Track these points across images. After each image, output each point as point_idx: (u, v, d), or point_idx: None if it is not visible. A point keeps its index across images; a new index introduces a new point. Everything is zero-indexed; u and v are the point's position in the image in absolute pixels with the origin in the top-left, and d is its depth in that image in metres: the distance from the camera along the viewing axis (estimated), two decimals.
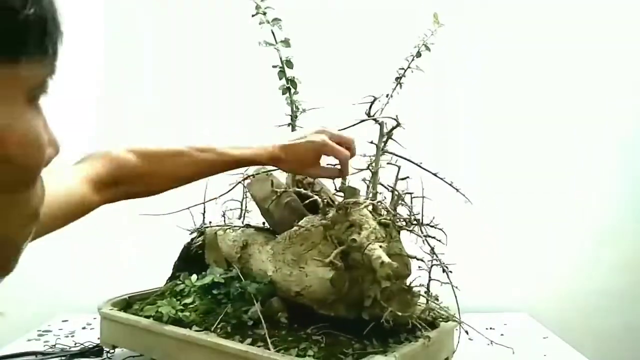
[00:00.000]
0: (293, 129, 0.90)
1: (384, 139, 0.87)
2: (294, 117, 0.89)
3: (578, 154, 1.36)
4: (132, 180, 0.73)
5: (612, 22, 1.33)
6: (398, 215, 0.84)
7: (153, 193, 0.77)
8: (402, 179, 0.87)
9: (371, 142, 0.88)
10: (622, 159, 1.36)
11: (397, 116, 0.87)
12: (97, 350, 1.03)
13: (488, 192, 1.34)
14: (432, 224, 0.89)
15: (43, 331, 1.17)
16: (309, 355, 0.75)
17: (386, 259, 0.69)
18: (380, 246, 0.72)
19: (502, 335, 1.17)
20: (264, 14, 0.83)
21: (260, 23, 0.84)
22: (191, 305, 0.89)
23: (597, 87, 1.35)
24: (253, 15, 0.84)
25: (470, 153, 1.34)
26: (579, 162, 1.36)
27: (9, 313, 1.31)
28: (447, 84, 1.33)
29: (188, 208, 1.00)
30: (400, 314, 0.75)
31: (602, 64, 1.34)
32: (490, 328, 1.20)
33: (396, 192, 0.85)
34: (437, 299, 0.98)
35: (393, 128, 0.88)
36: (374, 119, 0.87)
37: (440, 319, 0.96)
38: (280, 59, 0.86)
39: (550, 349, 1.08)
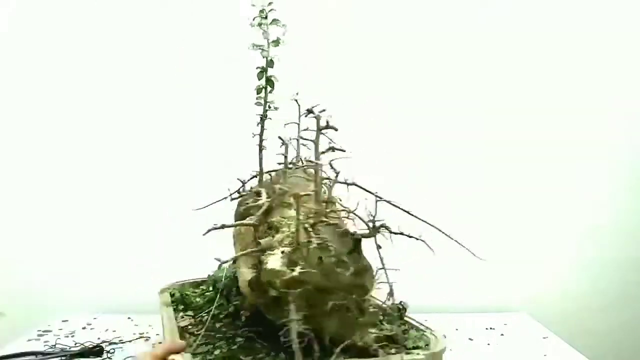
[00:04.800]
0: (262, 130, 0.87)
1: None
2: (264, 117, 0.88)
3: (578, 153, 1.35)
4: None
5: (615, 17, 1.33)
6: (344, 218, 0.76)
7: None
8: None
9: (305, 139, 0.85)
10: (622, 158, 1.36)
11: (328, 117, 0.84)
12: (97, 350, 1.04)
13: (487, 192, 1.34)
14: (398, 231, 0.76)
15: (43, 331, 1.17)
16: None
17: (273, 267, 0.65)
18: (284, 252, 0.68)
19: (502, 335, 1.17)
20: (265, 17, 0.82)
21: (258, 24, 0.83)
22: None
23: (596, 86, 1.34)
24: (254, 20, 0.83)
25: (470, 151, 1.34)
26: (578, 162, 1.36)
27: (9, 313, 1.32)
28: (444, 77, 1.33)
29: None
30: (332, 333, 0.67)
31: (601, 62, 1.34)
32: (490, 328, 1.21)
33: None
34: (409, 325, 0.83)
35: (326, 127, 0.81)
36: (311, 111, 0.82)
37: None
38: (266, 59, 0.84)
39: (550, 349, 1.08)
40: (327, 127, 0.81)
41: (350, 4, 1.31)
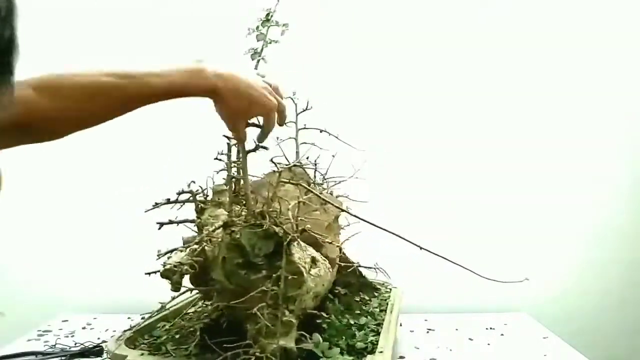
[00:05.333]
0: None
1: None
2: None
3: (578, 153, 1.35)
4: (40, 124, 0.62)
5: (615, 18, 1.33)
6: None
7: (62, 136, 0.67)
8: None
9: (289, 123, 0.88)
10: (623, 158, 1.36)
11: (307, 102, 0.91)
12: (97, 351, 1.04)
13: (487, 192, 1.34)
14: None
15: (43, 331, 1.17)
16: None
17: (172, 262, 0.68)
18: (191, 249, 0.70)
19: (502, 335, 1.17)
20: (268, 19, 0.82)
21: (256, 27, 0.83)
22: None
23: (597, 86, 1.34)
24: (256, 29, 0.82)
25: (471, 152, 1.34)
26: (579, 162, 1.36)
27: (9, 313, 1.32)
28: (445, 77, 1.33)
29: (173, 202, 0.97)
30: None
31: (601, 60, 1.34)
32: (490, 328, 1.21)
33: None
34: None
35: (303, 110, 0.90)
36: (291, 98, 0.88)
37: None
38: (257, 60, 0.83)
39: (550, 349, 1.08)
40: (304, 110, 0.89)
41: (350, 3, 1.31)
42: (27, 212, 1.33)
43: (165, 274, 0.68)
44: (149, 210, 0.79)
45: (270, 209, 0.71)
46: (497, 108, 1.34)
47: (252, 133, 0.75)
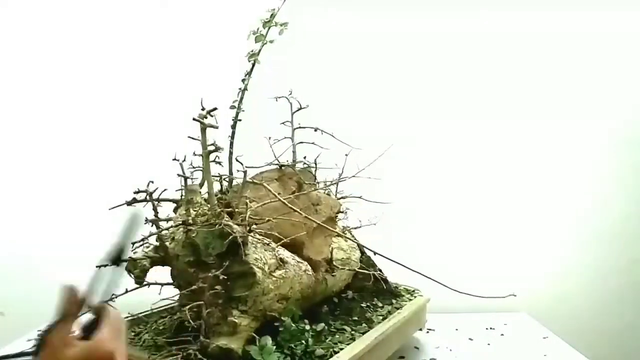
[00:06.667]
0: (234, 133, 0.86)
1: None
2: (236, 121, 0.86)
3: (579, 154, 1.35)
4: None
5: (610, 17, 1.33)
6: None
7: None
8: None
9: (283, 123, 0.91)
10: (623, 160, 1.36)
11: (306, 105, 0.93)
12: None
13: (488, 192, 1.34)
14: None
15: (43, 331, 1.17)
16: None
17: (135, 256, 0.70)
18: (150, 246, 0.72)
19: (502, 335, 1.17)
20: (270, 20, 0.82)
21: (256, 29, 0.83)
22: None
23: (596, 85, 1.34)
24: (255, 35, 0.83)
25: (472, 152, 1.34)
26: (580, 163, 1.36)
27: (9, 313, 1.32)
28: (442, 79, 1.33)
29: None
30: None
31: (600, 61, 1.34)
32: (490, 328, 1.21)
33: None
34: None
35: (298, 109, 0.93)
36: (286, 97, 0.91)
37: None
38: (253, 63, 0.83)
39: (550, 349, 1.08)
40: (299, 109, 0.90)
41: (349, 5, 1.31)
42: (28, 211, 1.33)
43: (127, 267, 0.69)
44: (112, 208, 0.80)
45: (231, 209, 0.71)
46: (498, 109, 1.34)
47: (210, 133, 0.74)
